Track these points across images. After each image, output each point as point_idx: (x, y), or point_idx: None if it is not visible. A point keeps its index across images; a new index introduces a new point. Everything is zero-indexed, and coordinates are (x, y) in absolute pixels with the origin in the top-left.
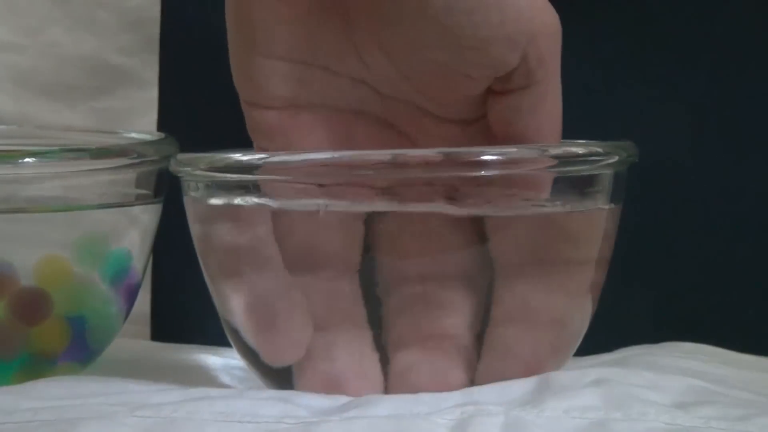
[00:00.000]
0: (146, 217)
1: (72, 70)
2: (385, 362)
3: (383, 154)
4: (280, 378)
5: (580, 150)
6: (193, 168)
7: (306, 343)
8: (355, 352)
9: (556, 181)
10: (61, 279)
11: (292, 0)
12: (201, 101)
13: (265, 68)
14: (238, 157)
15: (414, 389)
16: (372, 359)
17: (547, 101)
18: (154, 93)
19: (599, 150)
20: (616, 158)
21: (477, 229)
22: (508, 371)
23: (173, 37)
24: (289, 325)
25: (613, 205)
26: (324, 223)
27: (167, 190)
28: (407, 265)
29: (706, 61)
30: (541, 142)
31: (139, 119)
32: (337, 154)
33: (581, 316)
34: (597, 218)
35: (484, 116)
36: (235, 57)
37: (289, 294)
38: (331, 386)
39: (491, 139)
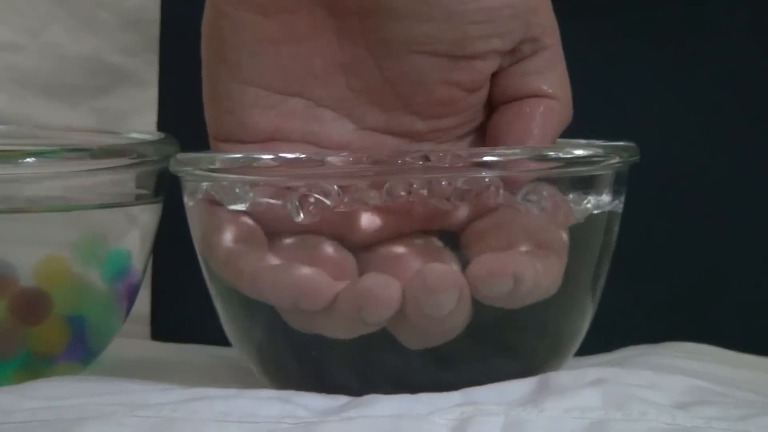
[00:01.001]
0: (146, 217)
1: (72, 70)
2: None
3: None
4: None
5: (582, 151)
6: (193, 168)
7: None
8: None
9: (558, 182)
10: (61, 279)
11: (281, 17)
12: (201, 101)
13: (246, 97)
14: (238, 157)
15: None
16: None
17: (557, 62)
18: (154, 93)
19: (600, 151)
20: (617, 159)
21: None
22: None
23: (173, 37)
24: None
25: (613, 206)
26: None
27: (167, 190)
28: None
29: (708, 61)
30: (556, 99)
31: (139, 119)
32: (337, 155)
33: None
34: (598, 219)
35: (465, 136)
36: (211, 86)
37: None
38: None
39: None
